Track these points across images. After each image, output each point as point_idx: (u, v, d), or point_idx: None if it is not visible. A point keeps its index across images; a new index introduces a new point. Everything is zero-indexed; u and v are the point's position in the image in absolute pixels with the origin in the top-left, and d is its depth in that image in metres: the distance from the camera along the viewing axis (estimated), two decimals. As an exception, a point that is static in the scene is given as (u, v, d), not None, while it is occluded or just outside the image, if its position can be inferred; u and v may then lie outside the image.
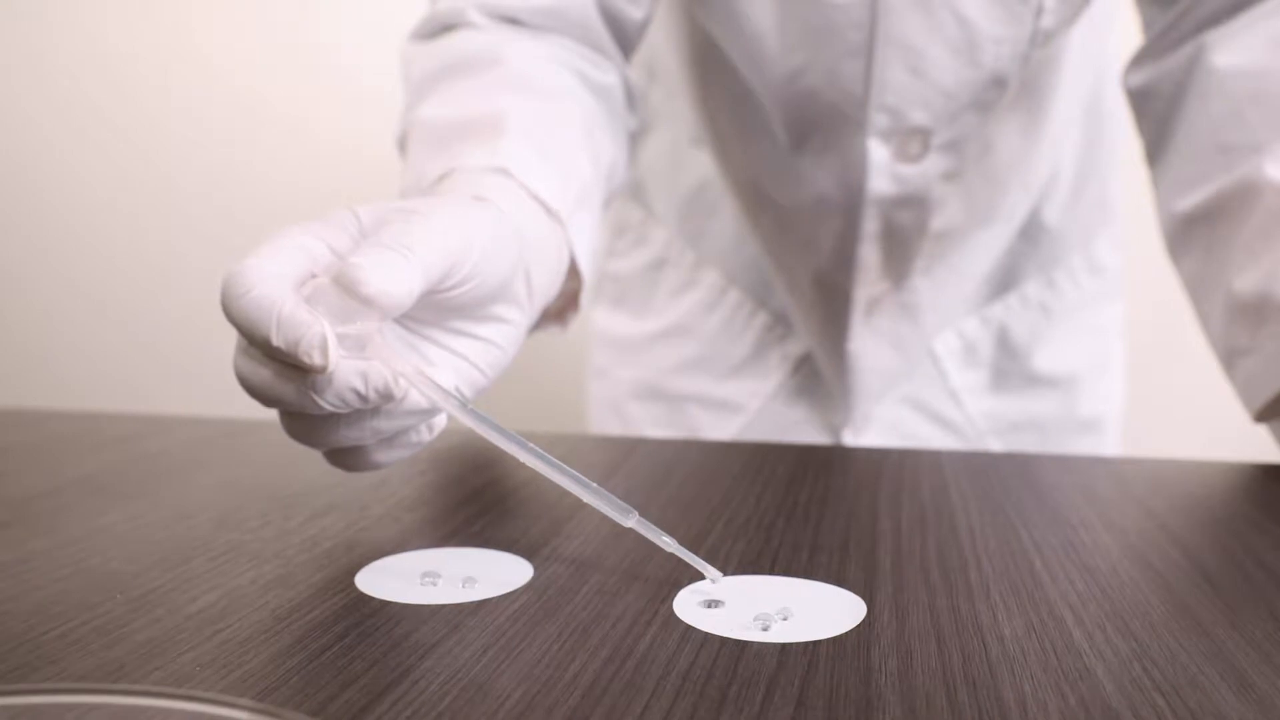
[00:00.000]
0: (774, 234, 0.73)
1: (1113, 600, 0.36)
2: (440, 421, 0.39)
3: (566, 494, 0.47)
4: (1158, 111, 0.61)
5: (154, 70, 1.49)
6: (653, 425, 0.81)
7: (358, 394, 0.34)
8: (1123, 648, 0.32)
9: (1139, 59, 0.62)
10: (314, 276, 0.35)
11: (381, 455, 0.38)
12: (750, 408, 0.79)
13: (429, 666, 0.30)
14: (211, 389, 1.40)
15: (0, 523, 0.43)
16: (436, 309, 0.39)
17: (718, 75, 0.69)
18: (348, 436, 0.36)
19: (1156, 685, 0.29)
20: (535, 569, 0.38)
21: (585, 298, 0.55)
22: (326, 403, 0.34)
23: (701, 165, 0.78)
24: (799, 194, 0.69)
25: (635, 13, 0.64)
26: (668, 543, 0.37)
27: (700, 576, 0.37)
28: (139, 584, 0.36)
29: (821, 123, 0.66)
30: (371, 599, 0.35)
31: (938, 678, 0.30)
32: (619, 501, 0.36)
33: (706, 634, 0.32)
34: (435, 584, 0.36)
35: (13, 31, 1.53)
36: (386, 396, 0.35)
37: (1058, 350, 0.79)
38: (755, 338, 0.79)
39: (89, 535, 0.42)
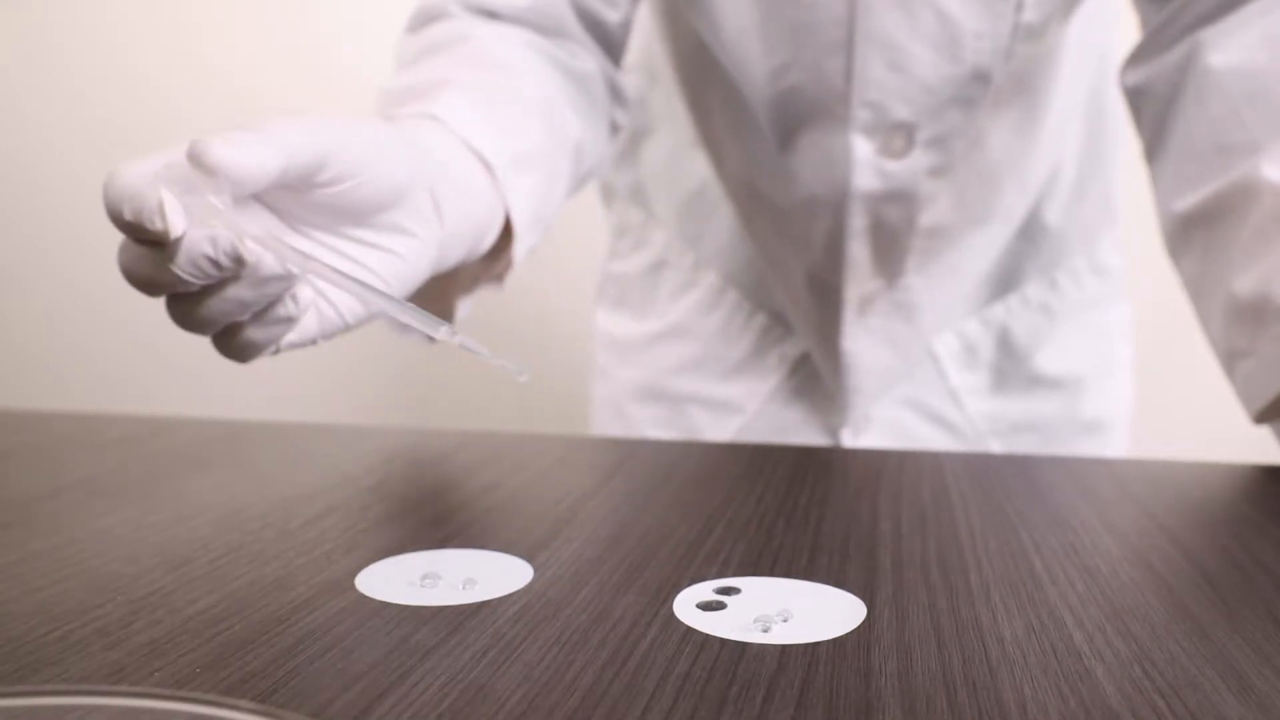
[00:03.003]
0: (768, 233, 0.74)
1: (1113, 602, 0.36)
2: (305, 295, 0.41)
3: (567, 495, 0.47)
4: (1154, 111, 0.61)
5: (154, 70, 1.50)
6: (653, 426, 0.82)
7: (209, 258, 0.36)
8: (1123, 649, 0.32)
9: (1134, 57, 0.62)
10: None
11: (256, 332, 0.41)
12: (749, 408, 0.79)
13: (429, 668, 0.30)
14: (211, 389, 1.40)
15: (1, 524, 0.43)
16: (328, 211, 0.41)
17: (710, 74, 0.69)
18: (218, 309, 0.39)
19: (1156, 687, 0.29)
20: (535, 571, 0.38)
21: (520, 252, 0.55)
22: (181, 270, 0.36)
23: (701, 167, 0.78)
24: (790, 192, 0.69)
25: (611, 14, 0.66)
26: (483, 353, 0.39)
27: (689, 578, 0.37)
28: (140, 585, 0.36)
29: (807, 119, 0.66)
30: (372, 600, 0.35)
31: (938, 679, 0.30)
32: (432, 317, 0.39)
33: (706, 635, 0.32)
34: (435, 586, 0.36)
35: (13, 32, 1.53)
36: (236, 259, 0.37)
37: (1060, 351, 0.78)
38: (754, 338, 0.79)
39: (89, 536, 0.42)
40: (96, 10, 1.49)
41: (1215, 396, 0.72)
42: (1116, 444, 0.82)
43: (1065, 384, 0.79)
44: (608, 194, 0.87)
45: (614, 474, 0.51)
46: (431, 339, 0.52)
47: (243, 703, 0.22)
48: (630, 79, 0.81)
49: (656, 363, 0.82)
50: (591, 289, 0.89)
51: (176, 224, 0.35)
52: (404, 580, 0.37)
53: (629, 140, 0.84)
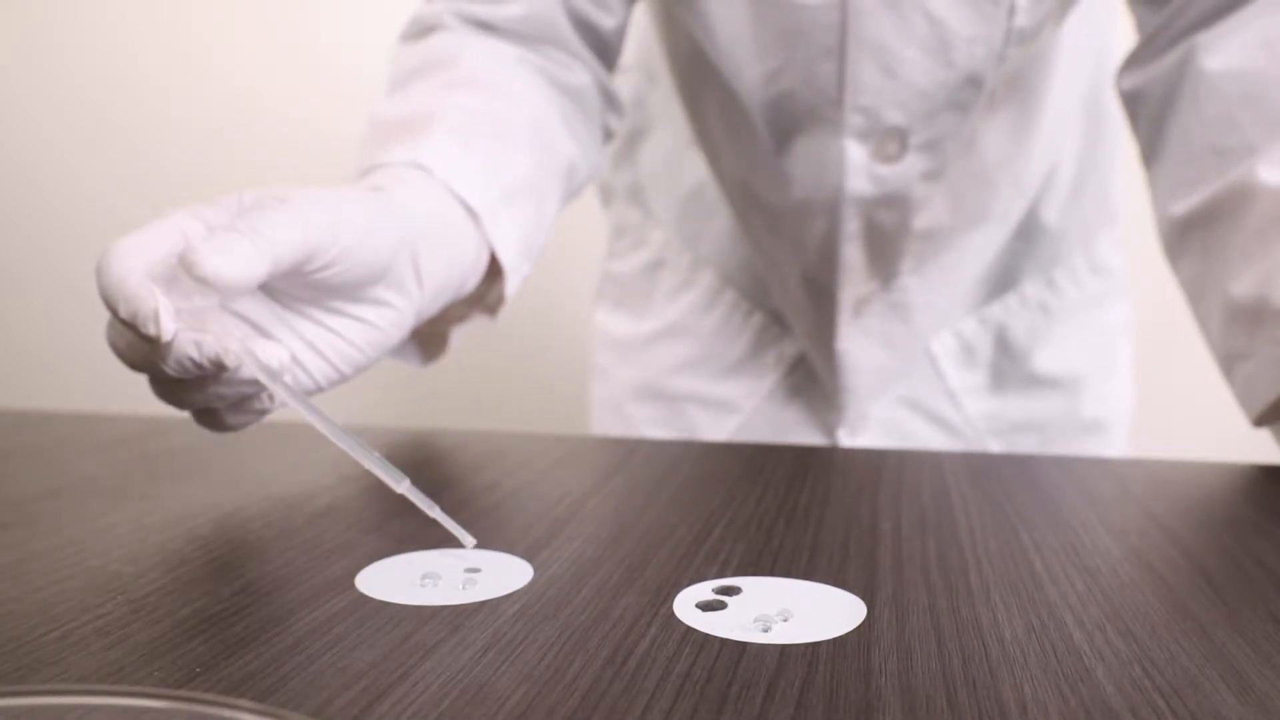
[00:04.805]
0: (764, 234, 0.74)
1: (1113, 602, 0.36)
2: (280, 394, 0.43)
3: (567, 495, 0.47)
4: (1150, 114, 0.61)
5: (154, 70, 1.49)
6: (652, 425, 0.82)
7: (194, 361, 0.39)
8: (1123, 649, 0.32)
9: (1131, 61, 0.62)
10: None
11: (231, 418, 0.43)
12: (746, 407, 0.79)
13: (429, 667, 0.30)
14: (211, 389, 1.40)
15: (1, 524, 0.43)
16: (313, 288, 0.43)
17: (705, 77, 0.69)
18: (197, 399, 0.42)
19: (1157, 687, 0.29)
20: (535, 570, 0.38)
21: (511, 288, 0.57)
22: (169, 368, 0.39)
23: (700, 167, 0.78)
24: (785, 194, 0.69)
25: (607, 20, 0.66)
26: (436, 514, 0.40)
27: (689, 578, 0.37)
28: (140, 585, 0.36)
29: (801, 124, 0.66)
30: (372, 600, 0.35)
31: (938, 679, 0.30)
32: (394, 468, 0.40)
33: (706, 635, 0.32)
34: (435, 585, 0.36)
35: (13, 31, 1.53)
36: (219, 366, 0.39)
37: (1058, 351, 0.78)
38: (751, 337, 0.79)
39: (90, 536, 0.42)
40: (96, 10, 1.49)
41: (1215, 396, 0.72)
42: (1116, 444, 0.82)
43: (1064, 384, 0.79)
44: (606, 194, 0.87)
45: (614, 474, 0.51)
46: (422, 364, 0.55)
47: (243, 702, 0.22)
48: (629, 79, 0.81)
49: (655, 362, 0.82)
50: (591, 289, 0.89)
51: (168, 330, 0.38)
52: (404, 580, 0.37)
53: (627, 140, 0.84)
